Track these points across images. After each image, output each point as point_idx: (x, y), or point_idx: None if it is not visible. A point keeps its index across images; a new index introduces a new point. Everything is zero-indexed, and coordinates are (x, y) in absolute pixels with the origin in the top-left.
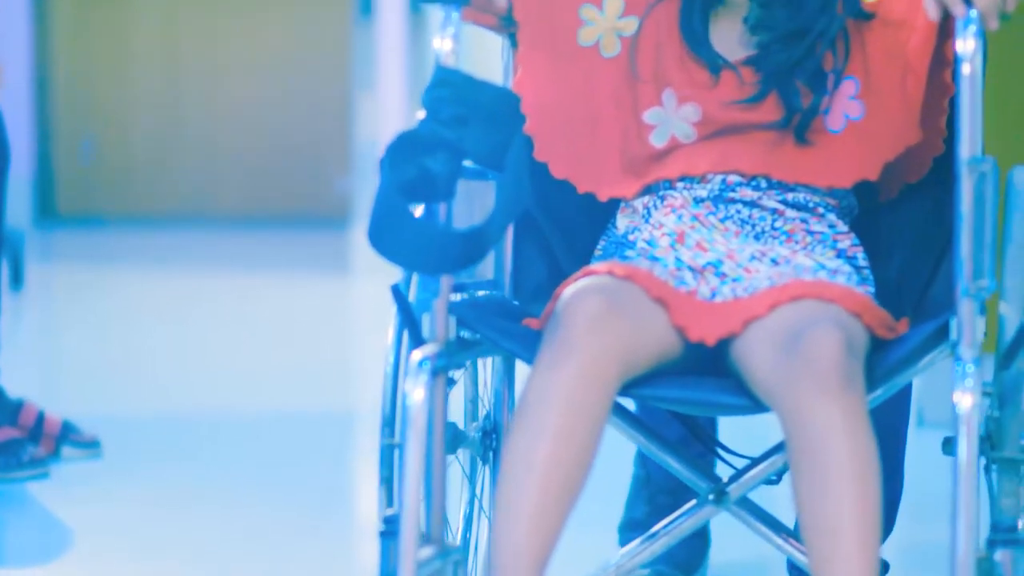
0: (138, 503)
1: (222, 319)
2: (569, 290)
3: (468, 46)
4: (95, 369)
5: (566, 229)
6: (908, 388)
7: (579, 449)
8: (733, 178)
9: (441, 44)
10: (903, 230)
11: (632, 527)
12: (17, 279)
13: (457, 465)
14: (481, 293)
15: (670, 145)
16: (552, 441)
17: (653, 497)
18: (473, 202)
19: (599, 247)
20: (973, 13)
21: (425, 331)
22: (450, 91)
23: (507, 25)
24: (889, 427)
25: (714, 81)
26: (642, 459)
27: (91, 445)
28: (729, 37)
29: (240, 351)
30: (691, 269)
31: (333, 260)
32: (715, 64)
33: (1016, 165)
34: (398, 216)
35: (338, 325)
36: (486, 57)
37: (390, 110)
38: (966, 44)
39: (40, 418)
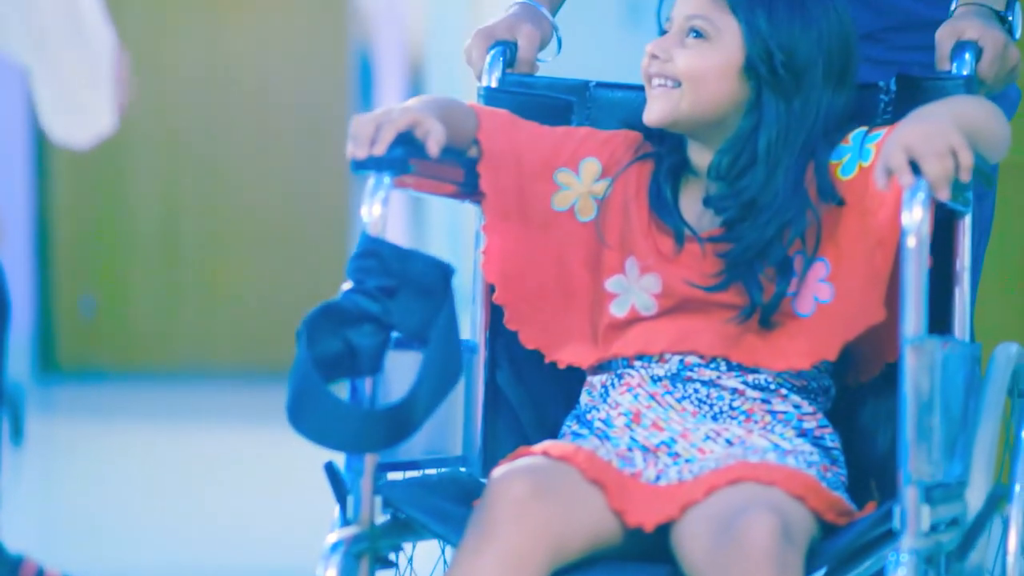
0: None
1: (223, 475)
2: (498, 472)
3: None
4: (95, 525)
5: (537, 402)
6: None
7: None
8: (691, 359)
9: (369, 211)
10: (889, 411)
11: None
12: (17, 434)
13: None
14: (433, 471)
15: (630, 316)
16: None
17: None
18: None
19: (565, 423)
20: (922, 183)
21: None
22: (376, 262)
23: (467, 192)
24: None
25: (678, 250)
26: None
27: None
28: (700, 206)
29: (242, 507)
30: (644, 449)
31: None
32: (680, 233)
33: (1003, 342)
34: (315, 393)
35: None
36: None
37: None
38: (912, 215)
39: (40, 574)
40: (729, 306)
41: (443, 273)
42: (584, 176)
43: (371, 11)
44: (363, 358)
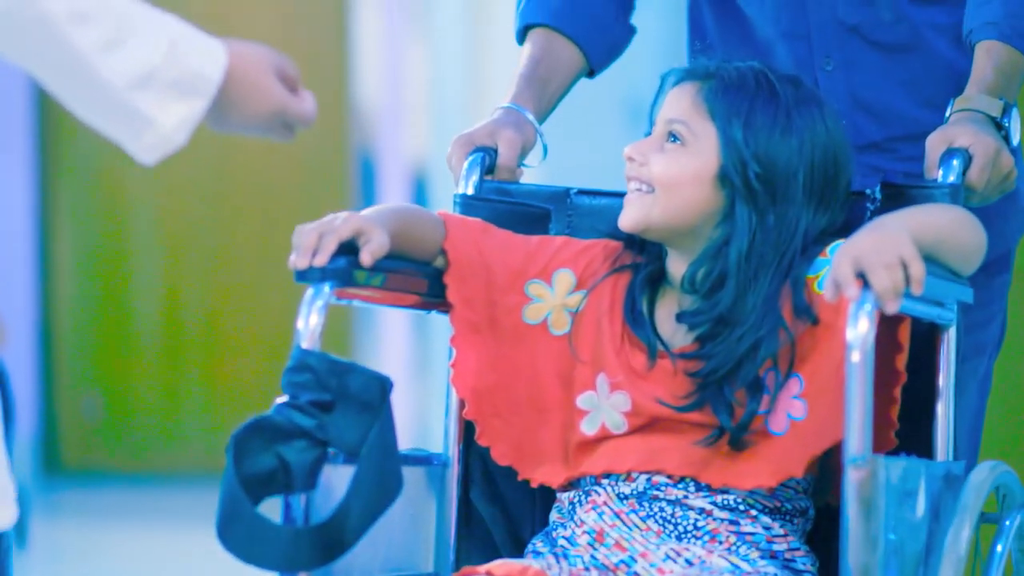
0: None
1: None
2: None
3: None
4: None
5: (511, 518)
6: None
7: None
8: (659, 478)
9: (305, 322)
10: None
11: None
12: (20, 537)
13: None
14: None
15: (600, 434)
16: None
17: None
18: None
19: (531, 541)
20: (869, 295)
21: None
22: (310, 376)
23: (433, 303)
24: None
25: (650, 365)
26: None
27: None
28: (674, 320)
29: None
30: (603, 568)
31: None
32: (652, 348)
33: (985, 460)
34: (241, 512)
35: None
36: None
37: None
38: (857, 329)
39: None
40: (700, 425)
41: (381, 387)
42: (557, 288)
43: (374, 113)
44: (296, 474)
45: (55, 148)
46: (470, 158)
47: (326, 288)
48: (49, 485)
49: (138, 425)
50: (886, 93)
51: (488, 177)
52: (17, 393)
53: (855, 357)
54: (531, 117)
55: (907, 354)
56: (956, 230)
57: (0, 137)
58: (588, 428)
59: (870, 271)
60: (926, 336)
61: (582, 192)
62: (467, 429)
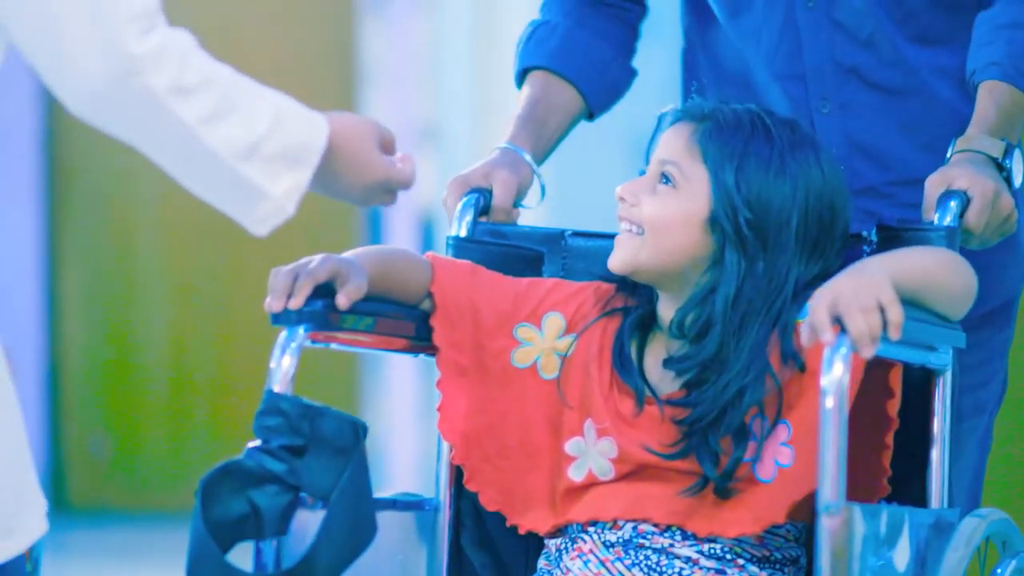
0: None
1: None
2: None
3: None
4: None
5: (501, 564)
6: None
7: None
8: (645, 526)
9: (277, 365)
10: None
11: None
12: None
13: None
14: None
15: (587, 481)
16: None
17: None
18: None
19: None
20: (845, 339)
21: None
22: (282, 420)
23: (420, 346)
24: None
25: (638, 412)
26: None
27: None
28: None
29: None
30: None
31: None
32: (640, 394)
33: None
34: (208, 558)
35: None
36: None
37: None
38: (831, 374)
39: None
40: (687, 473)
41: (354, 431)
42: (547, 332)
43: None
44: (267, 520)
45: (63, 188)
46: (464, 199)
47: (300, 331)
48: (57, 523)
49: (146, 464)
50: (884, 136)
51: (483, 219)
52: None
53: (829, 403)
54: (528, 158)
55: (899, 400)
56: (942, 273)
57: (8, 177)
58: (575, 474)
59: (846, 315)
60: (924, 381)
61: (577, 234)
62: (458, 473)
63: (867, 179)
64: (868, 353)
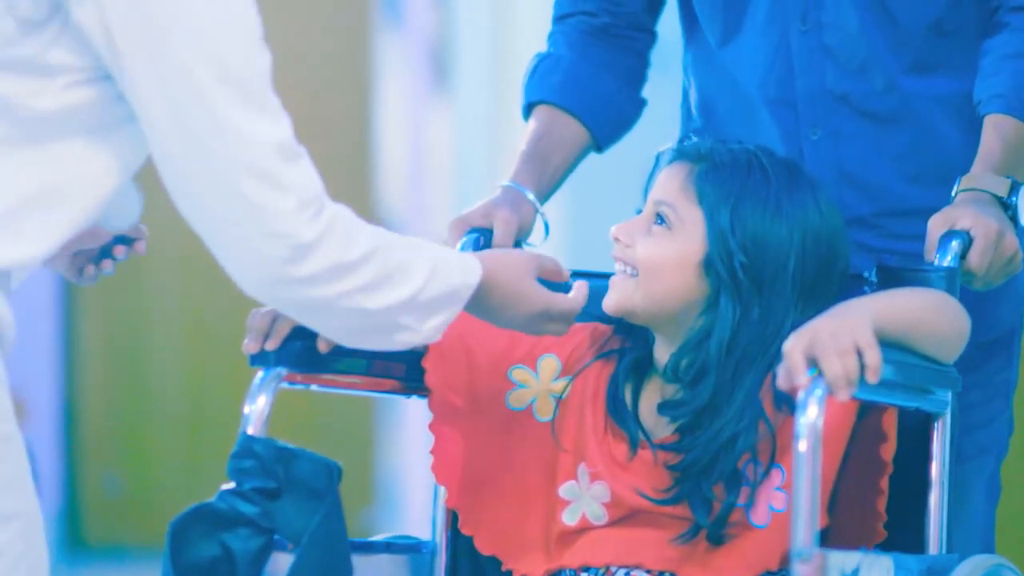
0: None
1: None
2: None
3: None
4: None
5: None
6: None
7: None
8: (637, 573)
9: (251, 408)
10: None
11: None
12: None
13: None
14: None
15: (580, 525)
16: None
17: None
18: None
19: None
20: (820, 382)
21: None
22: (255, 462)
23: (412, 387)
24: None
25: (631, 456)
26: None
27: None
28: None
29: None
30: None
31: None
32: (634, 439)
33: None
34: None
35: None
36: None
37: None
38: (805, 417)
39: None
40: (681, 518)
41: (329, 473)
42: (543, 374)
43: (397, 186)
44: (240, 563)
45: None
46: (464, 239)
47: (276, 372)
48: (72, 560)
49: (160, 504)
50: (873, 166)
51: None
52: (41, 470)
53: (802, 446)
54: (531, 196)
55: (894, 444)
56: (930, 315)
57: None
58: (569, 519)
59: (822, 358)
60: (923, 425)
61: (577, 274)
62: (455, 516)
63: (855, 209)
64: (844, 396)
